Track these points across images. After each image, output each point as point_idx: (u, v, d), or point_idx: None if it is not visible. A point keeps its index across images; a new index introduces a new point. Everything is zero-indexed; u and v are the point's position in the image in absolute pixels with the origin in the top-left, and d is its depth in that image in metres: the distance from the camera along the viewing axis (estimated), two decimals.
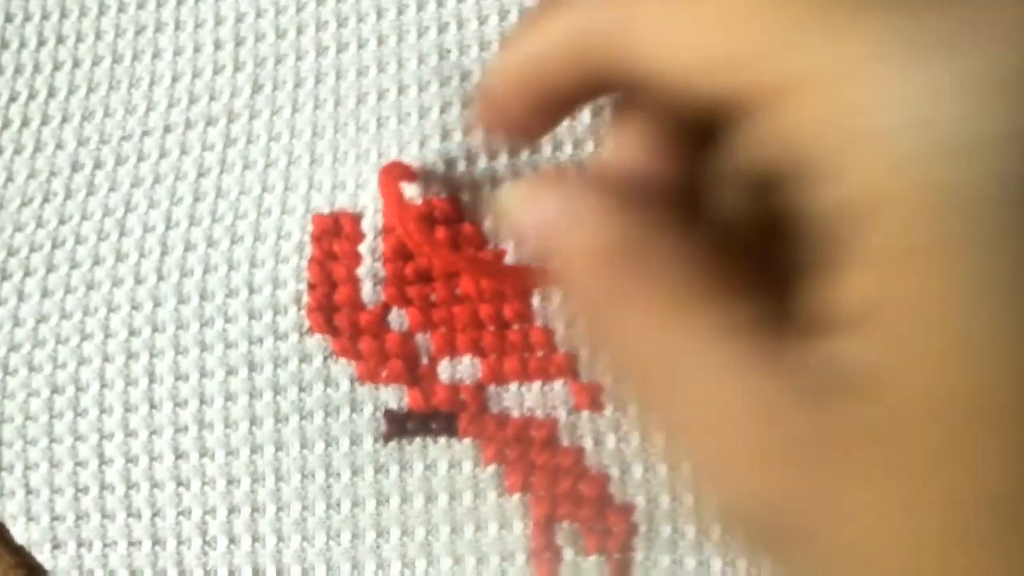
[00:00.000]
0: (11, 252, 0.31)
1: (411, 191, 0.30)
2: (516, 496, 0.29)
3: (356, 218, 0.31)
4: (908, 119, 0.16)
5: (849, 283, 0.18)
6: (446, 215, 0.30)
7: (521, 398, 0.29)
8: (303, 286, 0.30)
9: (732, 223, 0.21)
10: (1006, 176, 0.16)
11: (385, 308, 0.30)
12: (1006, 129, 0.16)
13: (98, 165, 0.32)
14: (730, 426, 0.18)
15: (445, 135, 0.31)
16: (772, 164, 0.18)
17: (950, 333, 0.16)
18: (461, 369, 0.29)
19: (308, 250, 0.30)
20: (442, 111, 0.31)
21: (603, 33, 0.19)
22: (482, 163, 0.30)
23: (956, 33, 0.16)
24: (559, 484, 0.29)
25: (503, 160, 0.30)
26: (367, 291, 0.30)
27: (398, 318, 0.30)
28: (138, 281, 0.31)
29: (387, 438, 0.29)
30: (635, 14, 0.18)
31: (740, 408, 0.18)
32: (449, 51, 0.32)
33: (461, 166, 0.31)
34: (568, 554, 0.28)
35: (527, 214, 0.21)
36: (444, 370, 0.29)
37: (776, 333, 0.18)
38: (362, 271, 0.30)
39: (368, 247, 0.30)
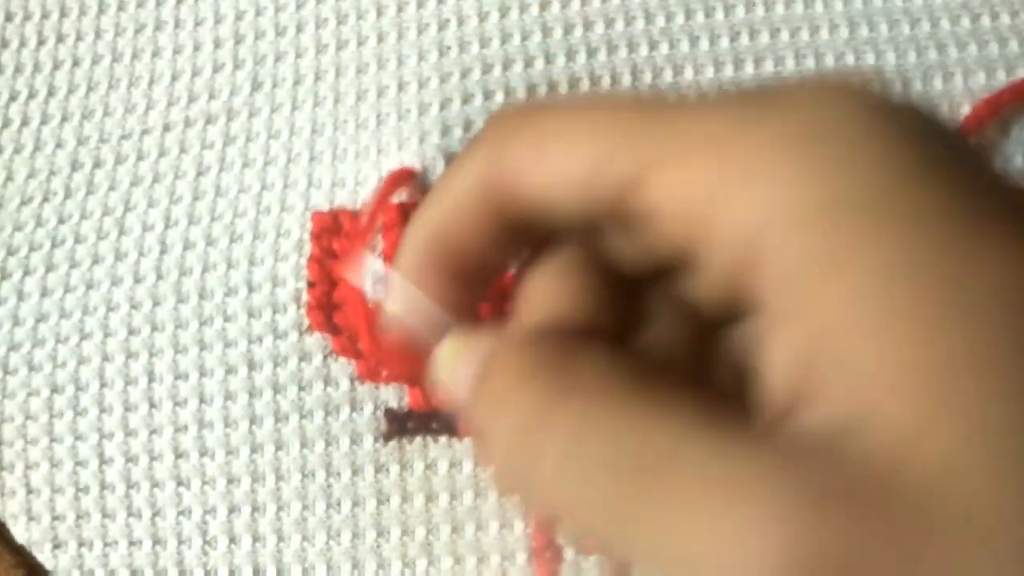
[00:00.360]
0: (10, 251, 0.31)
1: (403, 195, 0.30)
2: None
3: (356, 215, 0.30)
4: (755, 173, 0.18)
5: (782, 350, 0.18)
6: None
7: None
8: (302, 284, 0.30)
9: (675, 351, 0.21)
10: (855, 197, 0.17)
11: None
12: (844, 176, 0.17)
13: (97, 164, 0.32)
14: (752, 498, 0.16)
15: (445, 131, 0.31)
16: (667, 255, 0.19)
17: (891, 369, 0.16)
18: None
19: (307, 248, 0.30)
20: (442, 108, 0.31)
21: (498, 172, 0.21)
22: None
23: (758, 110, 0.18)
24: None
25: None
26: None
27: None
28: (137, 280, 0.31)
29: (387, 437, 0.29)
30: (518, 155, 0.20)
31: (755, 482, 0.16)
32: (449, 48, 0.32)
33: None
34: (569, 553, 0.28)
35: (458, 370, 0.22)
36: None
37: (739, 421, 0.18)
38: None
39: (367, 244, 0.30)
